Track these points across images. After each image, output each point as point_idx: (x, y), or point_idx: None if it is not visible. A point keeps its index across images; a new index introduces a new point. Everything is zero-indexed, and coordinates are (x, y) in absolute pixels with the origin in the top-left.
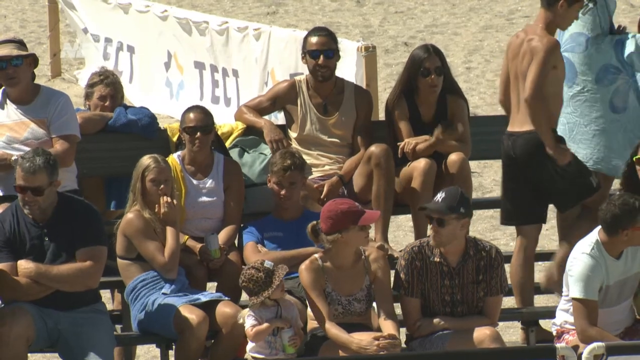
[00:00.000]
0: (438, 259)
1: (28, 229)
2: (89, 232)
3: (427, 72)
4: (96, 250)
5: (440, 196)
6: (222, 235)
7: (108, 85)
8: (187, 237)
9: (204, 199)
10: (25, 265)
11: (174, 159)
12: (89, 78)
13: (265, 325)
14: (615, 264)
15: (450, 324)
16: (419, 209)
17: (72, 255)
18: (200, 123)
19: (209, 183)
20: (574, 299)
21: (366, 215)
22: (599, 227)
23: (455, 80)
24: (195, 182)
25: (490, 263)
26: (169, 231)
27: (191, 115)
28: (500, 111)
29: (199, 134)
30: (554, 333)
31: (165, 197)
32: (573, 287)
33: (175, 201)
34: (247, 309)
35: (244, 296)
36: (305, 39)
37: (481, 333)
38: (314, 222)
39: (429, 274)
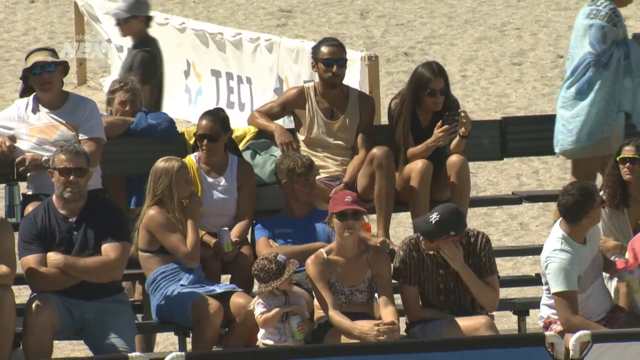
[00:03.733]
0: (432, 252)
1: (58, 224)
2: (115, 228)
3: (434, 92)
4: (120, 245)
5: (434, 217)
6: (235, 230)
7: (127, 91)
8: (203, 232)
9: (219, 196)
10: (54, 257)
11: (191, 159)
12: (110, 85)
13: (273, 311)
14: (584, 249)
15: (466, 276)
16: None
17: (98, 249)
18: (209, 132)
19: (223, 182)
20: (555, 293)
21: (339, 206)
22: (559, 221)
23: (453, 95)
24: (210, 180)
25: (479, 247)
26: (190, 224)
27: (203, 122)
28: (493, 116)
29: (206, 141)
30: (542, 324)
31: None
32: (553, 283)
33: (197, 197)
34: (257, 297)
35: (256, 288)
36: (317, 49)
37: (477, 321)
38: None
39: (424, 265)
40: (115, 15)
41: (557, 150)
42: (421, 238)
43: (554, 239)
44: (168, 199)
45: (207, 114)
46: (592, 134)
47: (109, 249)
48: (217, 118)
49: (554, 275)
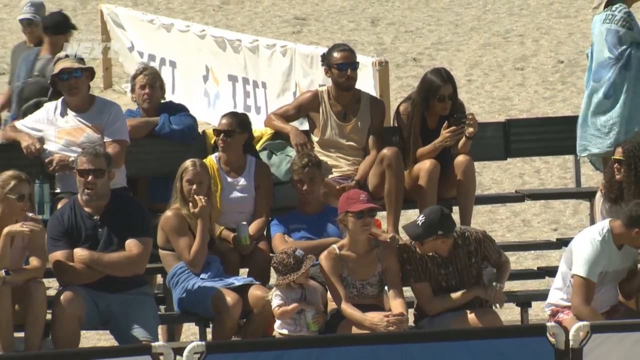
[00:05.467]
0: (431, 253)
1: (84, 221)
2: (137, 225)
3: (443, 98)
4: (143, 241)
5: (420, 220)
6: (253, 227)
7: (147, 75)
8: (222, 227)
9: (237, 194)
10: (80, 252)
11: (211, 159)
12: (133, 73)
13: (292, 306)
14: (617, 253)
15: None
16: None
17: (122, 245)
18: (225, 127)
19: (241, 181)
20: (576, 275)
21: (357, 205)
22: (609, 219)
23: (459, 99)
24: (229, 180)
25: (480, 244)
26: (199, 228)
27: (223, 120)
28: (497, 118)
29: (222, 136)
30: (548, 312)
31: (197, 196)
32: (579, 266)
33: (205, 200)
34: (275, 288)
35: (272, 281)
36: (329, 55)
37: (482, 316)
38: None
39: (426, 265)
40: None
41: (585, 154)
42: (413, 242)
43: (598, 228)
44: (180, 197)
45: (228, 114)
46: (628, 133)
47: (132, 245)
48: (236, 117)
49: (582, 259)
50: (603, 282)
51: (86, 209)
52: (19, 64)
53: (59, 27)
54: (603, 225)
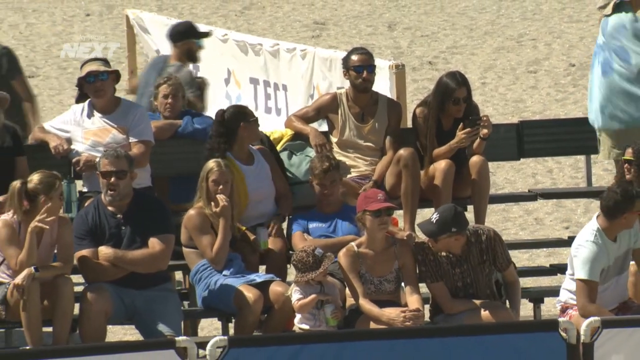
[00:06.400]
0: (445, 253)
1: (107, 220)
2: (159, 223)
3: (458, 101)
4: (165, 238)
5: (434, 217)
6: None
7: (170, 85)
8: (244, 228)
9: (256, 181)
10: (105, 250)
11: (228, 156)
12: (156, 82)
13: (310, 297)
14: (613, 246)
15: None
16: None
17: (145, 242)
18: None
19: (253, 168)
20: (578, 279)
21: (374, 204)
22: (595, 215)
23: (473, 101)
24: (244, 167)
25: (491, 243)
26: (221, 227)
27: None
28: (510, 120)
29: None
30: (559, 308)
31: (219, 196)
32: (578, 269)
33: (227, 199)
34: (293, 284)
35: (290, 278)
36: (348, 57)
37: (495, 312)
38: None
39: (441, 266)
40: None
41: (624, 126)
42: (427, 240)
43: (589, 230)
44: (204, 196)
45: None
46: None
47: (154, 242)
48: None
49: (580, 263)
50: (607, 277)
51: (109, 208)
52: (148, 71)
53: (181, 35)
54: (592, 225)
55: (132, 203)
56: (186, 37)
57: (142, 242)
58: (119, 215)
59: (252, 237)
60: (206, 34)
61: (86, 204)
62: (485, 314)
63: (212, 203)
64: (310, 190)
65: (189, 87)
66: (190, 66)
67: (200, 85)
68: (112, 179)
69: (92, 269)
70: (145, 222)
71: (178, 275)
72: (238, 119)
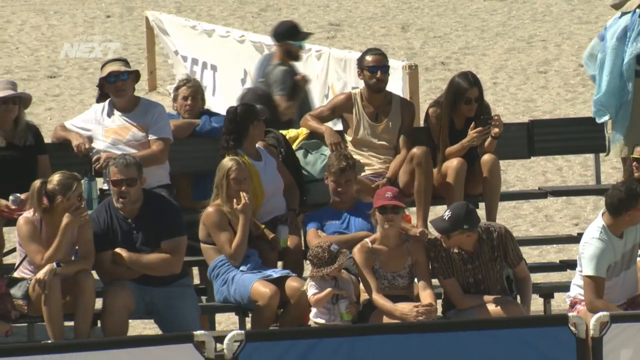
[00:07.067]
0: (457, 250)
1: (119, 224)
2: (171, 226)
3: (470, 101)
4: (177, 242)
5: (447, 214)
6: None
7: (190, 87)
8: (263, 226)
9: (268, 176)
10: (119, 253)
11: (240, 153)
12: (176, 84)
13: (325, 291)
14: (619, 242)
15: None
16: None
17: (158, 245)
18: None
19: (262, 164)
20: (585, 276)
21: (381, 201)
22: (601, 213)
23: (485, 101)
24: (255, 163)
25: (502, 240)
26: (240, 223)
27: None
28: (521, 119)
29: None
30: (568, 303)
31: (243, 193)
32: (586, 266)
33: (248, 197)
34: (309, 279)
35: (305, 274)
36: (362, 57)
37: (506, 303)
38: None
39: (453, 262)
40: None
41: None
42: (440, 236)
43: (594, 227)
44: (224, 194)
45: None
46: None
47: (167, 246)
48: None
49: (587, 259)
50: (614, 273)
51: (121, 212)
52: (256, 67)
53: (281, 36)
54: (598, 223)
55: (142, 206)
56: (284, 39)
57: (154, 245)
58: (129, 220)
59: (270, 235)
60: (307, 35)
61: (97, 207)
62: (496, 309)
63: (234, 200)
64: (325, 188)
65: (277, 86)
66: (282, 66)
67: (295, 84)
68: (123, 187)
69: (106, 270)
70: (156, 226)
71: (194, 270)
72: (250, 117)
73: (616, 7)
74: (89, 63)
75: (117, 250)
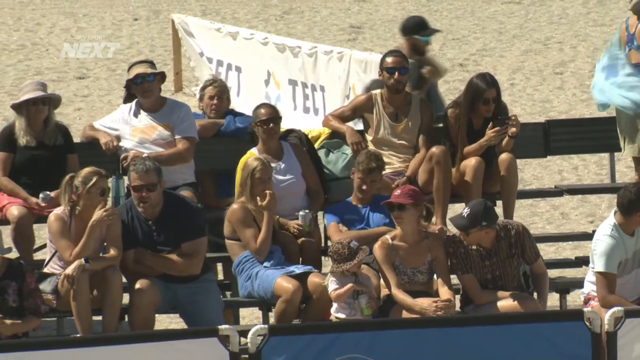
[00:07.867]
0: (475, 247)
1: (140, 225)
2: (191, 227)
3: (487, 101)
4: (197, 243)
5: (465, 212)
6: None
7: (216, 87)
8: (278, 217)
9: (281, 177)
10: (141, 252)
11: (252, 152)
12: (202, 84)
13: (346, 287)
14: (630, 240)
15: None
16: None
17: (178, 245)
18: (271, 115)
19: (283, 165)
20: (597, 272)
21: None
22: (613, 211)
23: (503, 101)
24: (273, 165)
25: (520, 237)
26: (265, 220)
27: (262, 110)
28: (537, 119)
29: (271, 124)
30: (582, 299)
31: (268, 191)
32: (597, 262)
33: (273, 194)
34: (329, 275)
35: (324, 270)
36: (383, 59)
37: (523, 299)
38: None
39: (471, 259)
40: None
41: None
42: (459, 233)
43: (606, 225)
44: (248, 193)
45: (264, 104)
46: None
47: (187, 248)
48: (272, 107)
49: (599, 256)
50: (626, 270)
51: (142, 214)
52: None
53: (408, 30)
54: (610, 221)
55: (163, 208)
56: (411, 33)
57: (174, 246)
58: (150, 221)
59: (292, 224)
60: (434, 31)
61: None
62: (513, 304)
63: (258, 198)
64: (346, 187)
65: None
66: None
67: (420, 77)
68: (144, 193)
69: (128, 268)
70: (176, 227)
71: (219, 266)
72: (253, 119)
73: (635, 10)
74: (116, 65)
75: (139, 249)
